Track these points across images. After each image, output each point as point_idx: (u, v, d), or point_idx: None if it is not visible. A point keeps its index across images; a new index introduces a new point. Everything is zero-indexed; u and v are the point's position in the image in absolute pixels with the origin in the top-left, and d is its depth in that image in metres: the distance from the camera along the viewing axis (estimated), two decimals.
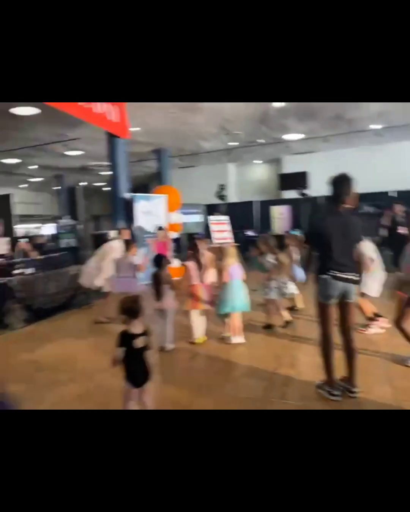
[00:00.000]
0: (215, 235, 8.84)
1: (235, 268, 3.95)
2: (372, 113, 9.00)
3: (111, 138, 7.44)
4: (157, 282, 3.72)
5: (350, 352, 2.80)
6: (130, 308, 2.18)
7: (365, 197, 10.91)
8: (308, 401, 2.75)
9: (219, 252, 4.12)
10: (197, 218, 12.27)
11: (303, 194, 11.82)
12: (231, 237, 9.19)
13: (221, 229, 9.48)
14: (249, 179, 14.95)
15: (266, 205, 13.68)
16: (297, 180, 13.15)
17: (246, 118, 8.61)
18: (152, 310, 3.62)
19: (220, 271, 4.00)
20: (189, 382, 3.15)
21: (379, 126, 10.14)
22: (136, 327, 2.17)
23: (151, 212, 8.34)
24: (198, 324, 3.97)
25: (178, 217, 9.66)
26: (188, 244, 4.12)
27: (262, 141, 11.14)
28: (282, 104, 7.56)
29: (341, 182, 2.70)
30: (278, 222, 13.29)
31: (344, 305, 2.77)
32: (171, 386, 2.96)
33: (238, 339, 3.95)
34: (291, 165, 13.50)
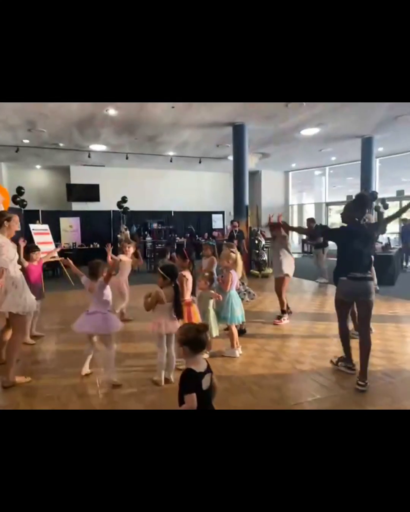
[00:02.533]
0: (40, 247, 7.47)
1: (235, 276, 3.71)
2: (180, 142, 10.02)
3: None
4: (176, 297, 3.04)
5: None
6: (197, 338, 1.68)
7: (155, 215, 13.92)
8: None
9: (224, 259, 3.71)
10: None
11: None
12: (54, 247, 7.73)
13: (45, 240, 8.25)
14: (29, 185, 12.50)
15: (53, 215, 12.41)
16: (89, 192, 12.96)
17: (66, 116, 7.74)
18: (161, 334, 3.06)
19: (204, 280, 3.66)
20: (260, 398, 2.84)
21: (172, 153, 11.59)
22: (200, 364, 1.70)
23: None
24: None
25: None
26: (178, 251, 3.56)
27: (62, 145, 10.28)
28: (115, 112, 7.42)
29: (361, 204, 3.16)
30: (67, 235, 12.45)
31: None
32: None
33: (239, 350, 3.78)
34: (79, 176, 13.02)
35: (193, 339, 1.68)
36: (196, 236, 13.66)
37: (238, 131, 8.81)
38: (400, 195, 13.32)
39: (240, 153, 8.96)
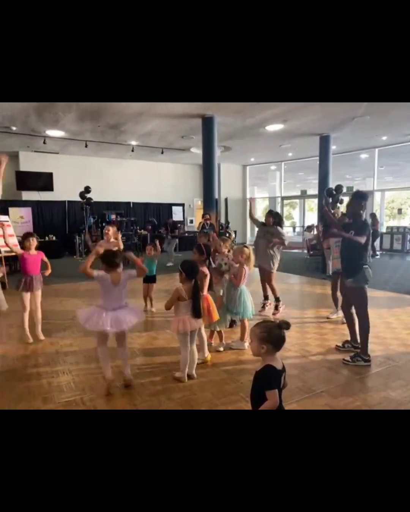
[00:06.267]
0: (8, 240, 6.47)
1: (248, 272, 3.74)
2: (144, 131, 9.77)
3: None
4: (196, 294, 2.95)
5: None
6: (281, 336, 1.66)
7: (113, 205, 13.20)
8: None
9: (238, 254, 3.72)
10: None
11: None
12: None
13: (10, 233, 7.55)
14: None
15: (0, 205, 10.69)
16: (41, 180, 11.96)
17: None
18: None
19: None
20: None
21: (135, 143, 11.06)
22: (278, 361, 1.70)
23: None
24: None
25: None
26: (197, 246, 3.41)
27: (15, 128, 9.30)
28: None
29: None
30: (18, 226, 10.92)
31: None
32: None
33: (247, 343, 3.84)
34: (29, 163, 11.91)
35: (277, 337, 1.66)
36: (158, 228, 13.43)
37: (207, 123, 8.76)
38: (349, 190, 14.29)
39: (209, 146, 8.92)
